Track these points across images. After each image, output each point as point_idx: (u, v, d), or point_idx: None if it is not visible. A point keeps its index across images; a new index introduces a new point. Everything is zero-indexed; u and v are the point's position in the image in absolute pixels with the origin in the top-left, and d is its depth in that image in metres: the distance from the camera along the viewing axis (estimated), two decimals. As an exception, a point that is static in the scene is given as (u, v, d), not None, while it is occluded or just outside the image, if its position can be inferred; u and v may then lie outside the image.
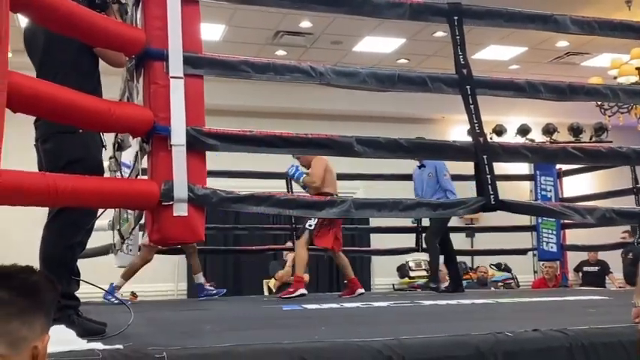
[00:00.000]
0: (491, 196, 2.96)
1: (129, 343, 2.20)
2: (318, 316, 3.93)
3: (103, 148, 2.93)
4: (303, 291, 5.57)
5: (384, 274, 10.07)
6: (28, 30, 2.98)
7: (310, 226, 5.62)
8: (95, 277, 2.90)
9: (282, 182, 6.86)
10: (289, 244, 7.60)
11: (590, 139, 9.39)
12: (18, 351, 1.33)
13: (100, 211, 3.13)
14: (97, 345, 2.16)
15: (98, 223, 3.24)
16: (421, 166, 6.54)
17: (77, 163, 2.68)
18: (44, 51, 2.85)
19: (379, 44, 9.31)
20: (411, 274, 9.98)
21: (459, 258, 9.85)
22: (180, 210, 2.53)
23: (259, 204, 2.72)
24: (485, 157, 3.00)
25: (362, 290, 5.91)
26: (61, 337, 2.11)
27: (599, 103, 8.30)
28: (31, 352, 1.35)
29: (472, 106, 3.06)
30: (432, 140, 3.19)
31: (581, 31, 3.47)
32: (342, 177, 7.04)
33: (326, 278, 9.92)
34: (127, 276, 5.62)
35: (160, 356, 2.03)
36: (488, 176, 2.98)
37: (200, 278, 6.12)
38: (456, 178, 7.52)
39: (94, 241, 4.13)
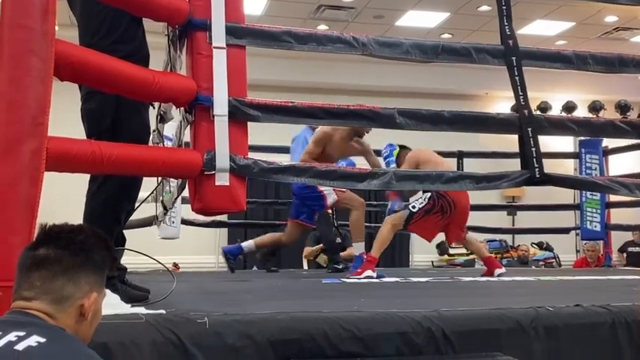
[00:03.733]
0: (536, 169, 2.91)
1: (171, 309, 2.24)
2: (357, 289, 3.94)
3: (152, 107, 2.89)
4: (370, 273, 4.49)
5: (423, 250, 10.03)
6: None
7: (414, 207, 4.69)
8: (139, 248, 2.94)
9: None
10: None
11: (638, 117, 9.16)
12: (62, 308, 1.35)
13: (148, 182, 3.15)
14: (141, 310, 2.20)
15: (142, 195, 3.27)
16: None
17: (123, 122, 2.66)
18: (81, 13, 2.81)
19: (422, 18, 9.19)
20: (451, 251, 9.93)
21: (501, 236, 9.85)
22: (222, 179, 2.56)
23: (300, 175, 2.73)
24: (530, 129, 2.95)
25: (502, 270, 5.02)
26: (106, 302, 2.15)
27: (648, 79, 8.08)
28: (77, 310, 1.37)
29: (517, 78, 3.00)
30: (475, 112, 3.14)
31: (632, 1, 3.36)
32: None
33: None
34: None
35: (202, 321, 2.07)
36: (533, 149, 2.92)
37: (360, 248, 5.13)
38: (497, 155, 7.45)
39: (138, 212, 4.21)
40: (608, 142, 7.39)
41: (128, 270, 2.91)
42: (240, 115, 2.62)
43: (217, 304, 2.78)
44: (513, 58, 3.02)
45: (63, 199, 5.33)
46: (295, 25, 8.85)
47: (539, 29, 9.49)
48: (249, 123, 2.69)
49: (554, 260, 9.81)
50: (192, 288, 3.79)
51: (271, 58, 7.88)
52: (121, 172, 2.49)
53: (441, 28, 9.54)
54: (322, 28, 9.31)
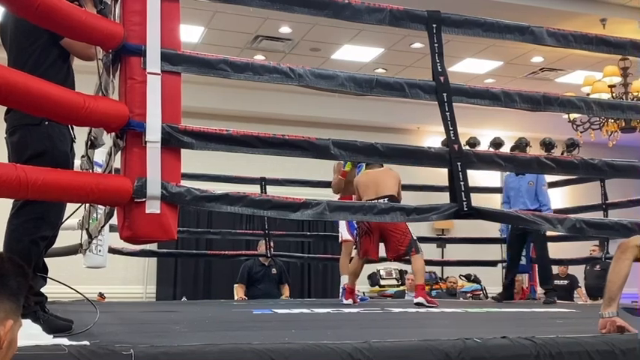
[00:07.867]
0: (464, 203, 2.98)
1: (96, 340, 2.17)
2: (288, 320, 3.91)
3: (73, 142, 2.88)
4: (347, 301, 5.47)
5: (355, 282, 10.06)
6: (2, 23, 2.98)
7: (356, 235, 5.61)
8: (64, 276, 2.84)
9: (257, 188, 6.86)
10: (262, 249, 7.56)
11: (562, 154, 9.52)
12: None
13: (73, 208, 3.07)
14: (63, 341, 2.12)
15: (68, 222, 3.18)
16: (518, 174, 6.41)
17: (41, 155, 2.65)
18: (12, 39, 2.84)
19: (358, 53, 9.36)
20: (382, 282, 10.01)
21: (430, 268, 9.98)
22: (153, 207, 2.50)
23: (233, 203, 2.70)
24: (459, 164, 3.02)
25: (421, 300, 5.24)
26: (27, 332, 2.07)
27: (571, 118, 8.43)
28: None
29: (448, 114, 3.08)
30: (407, 145, 3.20)
31: (557, 43, 3.51)
32: (318, 184, 7.08)
33: (297, 285, 9.87)
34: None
35: (127, 353, 2.00)
36: (462, 183, 2.99)
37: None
38: (428, 188, 7.60)
39: (64, 240, 4.07)
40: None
41: (51, 300, 2.82)
42: (174, 141, 2.59)
43: (144, 336, 2.71)
44: (444, 94, 3.10)
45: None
46: (232, 54, 8.82)
47: (470, 67, 9.80)
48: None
49: (481, 292, 9.99)
50: (118, 319, 3.68)
51: (207, 85, 7.85)
52: (46, 198, 2.42)
53: (376, 63, 9.73)
54: (259, 58, 9.35)
